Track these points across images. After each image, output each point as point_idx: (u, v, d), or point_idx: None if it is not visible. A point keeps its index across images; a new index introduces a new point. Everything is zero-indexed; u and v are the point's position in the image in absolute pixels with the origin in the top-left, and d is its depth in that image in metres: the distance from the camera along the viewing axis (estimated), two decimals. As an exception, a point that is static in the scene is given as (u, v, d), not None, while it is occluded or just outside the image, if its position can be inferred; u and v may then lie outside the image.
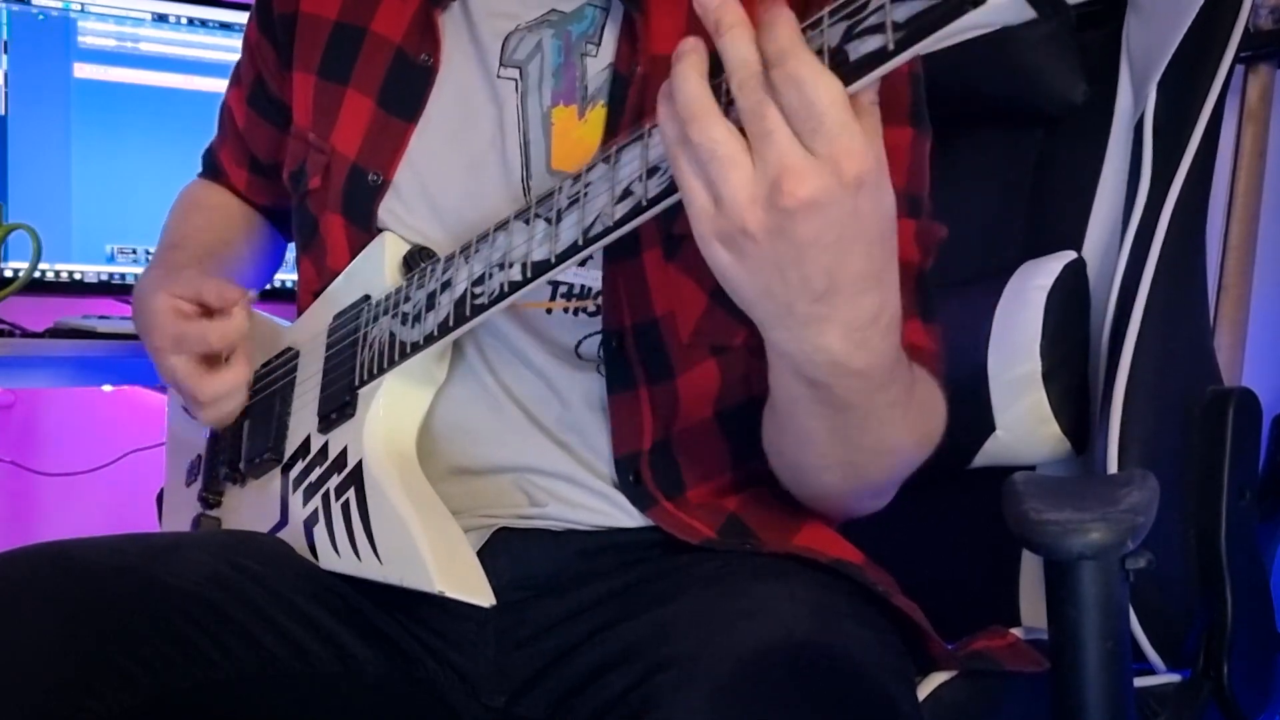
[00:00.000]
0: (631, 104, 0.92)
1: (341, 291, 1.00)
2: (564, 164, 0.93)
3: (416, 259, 0.94)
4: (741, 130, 0.64)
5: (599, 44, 0.95)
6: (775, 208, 0.63)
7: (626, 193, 0.75)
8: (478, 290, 0.85)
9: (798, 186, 0.62)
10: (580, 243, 0.78)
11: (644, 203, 0.74)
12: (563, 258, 0.79)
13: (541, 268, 0.80)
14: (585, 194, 0.78)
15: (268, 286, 1.92)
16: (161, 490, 1.22)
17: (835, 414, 0.77)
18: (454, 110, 0.98)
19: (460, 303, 0.86)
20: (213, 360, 0.99)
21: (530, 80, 0.96)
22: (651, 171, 0.74)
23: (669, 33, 0.92)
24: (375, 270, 0.96)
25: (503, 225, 0.84)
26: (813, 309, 0.67)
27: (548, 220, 0.80)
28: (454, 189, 0.96)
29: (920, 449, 0.87)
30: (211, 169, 1.23)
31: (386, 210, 0.98)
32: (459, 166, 0.97)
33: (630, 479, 0.92)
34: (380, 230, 0.98)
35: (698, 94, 0.64)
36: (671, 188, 0.72)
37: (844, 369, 0.71)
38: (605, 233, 0.77)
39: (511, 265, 0.82)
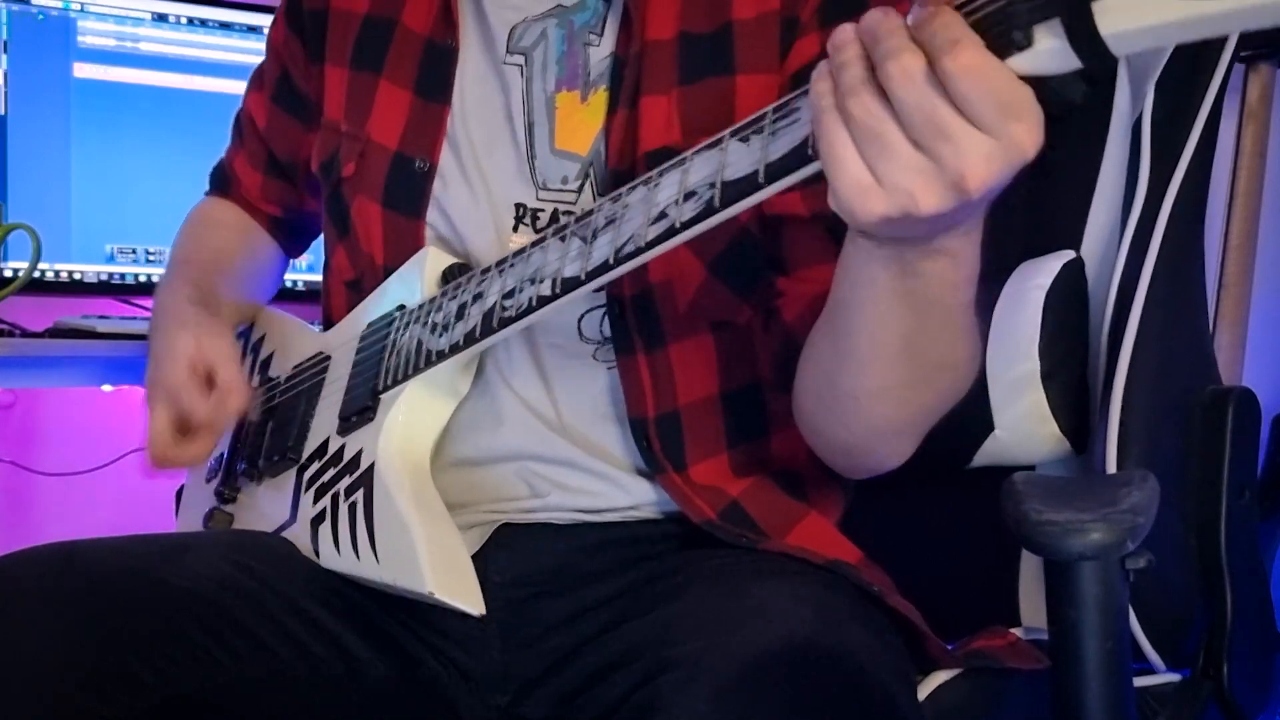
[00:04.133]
0: (628, 83, 0.94)
1: (379, 302, 1.01)
2: (568, 144, 0.96)
3: (456, 273, 0.95)
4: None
5: (601, 34, 0.97)
6: (959, 191, 0.62)
7: (661, 215, 0.76)
8: (507, 303, 0.85)
9: (987, 174, 0.61)
10: (611, 261, 0.79)
11: (677, 225, 0.75)
12: (593, 275, 0.80)
13: (571, 284, 0.81)
14: (623, 215, 0.79)
15: (303, 287, 1.95)
16: (182, 487, 1.23)
17: (916, 316, 0.75)
18: (474, 92, 1.00)
19: (489, 314, 0.86)
20: (185, 425, 1.01)
21: (535, 66, 0.98)
22: (688, 195, 0.74)
23: (663, 19, 0.95)
24: (414, 283, 0.97)
25: (540, 241, 0.85)
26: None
27: (583, 239, 0.81)
28: (470, 173, 0.99)
29: (969, 373, 0.85)
30: (222, 183, 1.25)
31: (436, 193, 0.99)
32: (482, 145, 0.99)
33: (644, 444, 0.93)
34: (427, 219, 0.99)
35: (862, 71, 0.63)
36: (706, 212, 0.73)
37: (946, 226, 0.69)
38: (636, 253, 0.78)
39: (542, 280, 0.83)
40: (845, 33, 0.64)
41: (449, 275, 0.95)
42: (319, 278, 1.14)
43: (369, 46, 1.05)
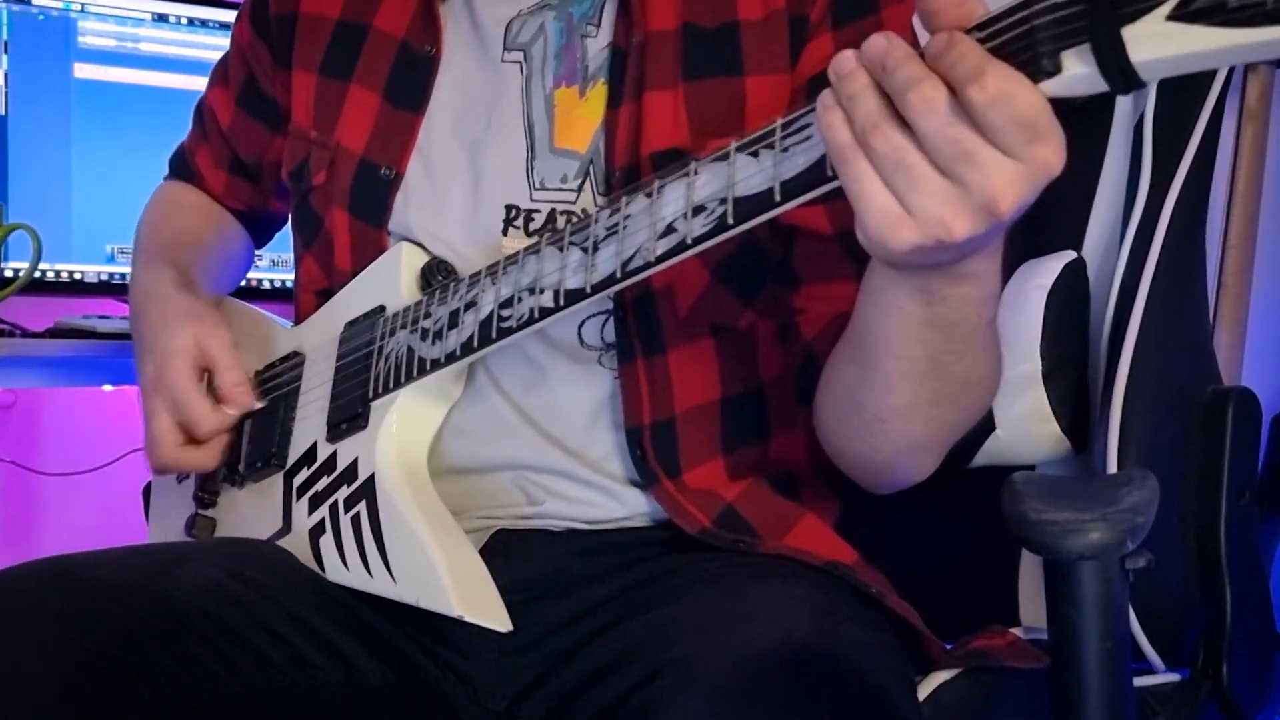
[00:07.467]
0: (631, 76, 0.93)
1: (353, 299, 0.99)
2: (567, 142, 0.95)
3: (435, 272, 0.93)
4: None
5: (599, 25, 0.96)
6: (990, 214, 0.62)
7: (669, 229, 0.76)
8: (505, 313, 0.84)
9: (1016, 196, 0.61)
10: (618, 275, 0.78)
11: (688, 240, 0.75)
12: (598, 288, 0.79)
13: (575, 296, 0.81)
14: (625, 226, 0.78)
15: (269, 286, 1.94)
16: (148, 484, 1.21)
17: (942, 337, 0.75)
18: (456, 99, 0.99)
19: (486, 324, 0.86)
20: (187, 429, 1.00)
21: (534, 63, 0.97)
22: (697, 210, 0.74)
23: (664, 9, 0.94)
24: (391, 281, 0.95)
25: (533, 249, 0.84)
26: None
27: (583, 249, 0.80)
28: (458, 178, 0.97)
29: (992, 387, 0.85)
30: (185, 172, 1.23)
31: (399, 203, 0.98)
32: (462, 155, 0.98)
33: (638, 453, 0.93)
34: (389, 228, 0.98)
35: (878, 103, 0.63)
36: (718, 229, 0.73)
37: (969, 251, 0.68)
38: (645, 267, 0.77)
39: (543, 291, 0.82)
40: (848, 61, 0.64)
41: (428, 272, 0.94)
42: (284, 276, 1.12)
43: (340, 52, 1.03)
